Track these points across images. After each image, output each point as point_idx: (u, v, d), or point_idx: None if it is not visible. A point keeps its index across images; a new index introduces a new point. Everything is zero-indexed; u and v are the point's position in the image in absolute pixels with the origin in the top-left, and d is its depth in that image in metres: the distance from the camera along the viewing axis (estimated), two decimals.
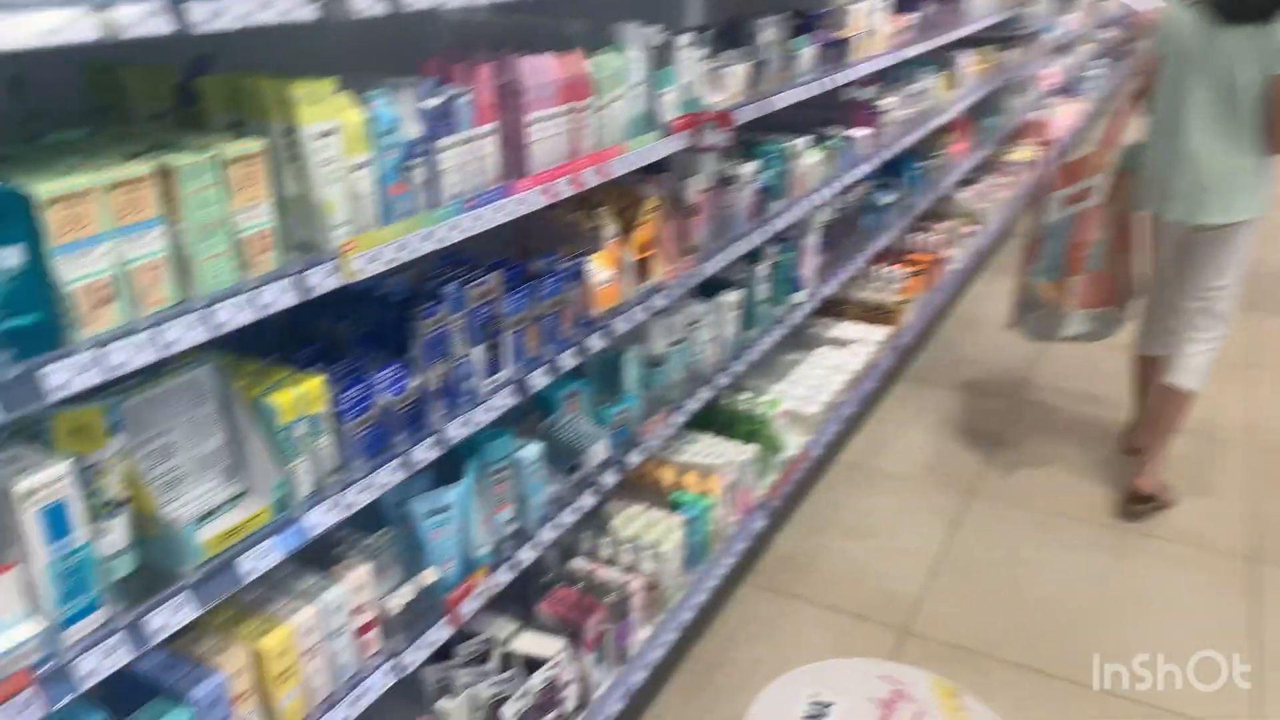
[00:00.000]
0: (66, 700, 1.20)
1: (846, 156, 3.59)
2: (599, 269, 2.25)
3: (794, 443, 3.33)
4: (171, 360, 1.43)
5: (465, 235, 1.74)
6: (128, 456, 1.33)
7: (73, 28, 1.08)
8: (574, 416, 2.28)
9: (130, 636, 1.28)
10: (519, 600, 2.31)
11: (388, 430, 1.69)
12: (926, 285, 4.57)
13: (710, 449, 2.89)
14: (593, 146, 2.12)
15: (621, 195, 2.45)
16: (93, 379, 1.17)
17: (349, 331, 1.84)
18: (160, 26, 1.15)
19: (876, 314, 4.18)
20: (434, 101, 1.66)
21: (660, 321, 2.59)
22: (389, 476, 1.67)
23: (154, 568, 1.37)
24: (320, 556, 1.75)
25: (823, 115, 3.80)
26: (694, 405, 2.75)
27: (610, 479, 2.38)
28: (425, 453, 1.74)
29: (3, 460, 1.19)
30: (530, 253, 2.24)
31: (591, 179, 2.08)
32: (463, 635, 2.17)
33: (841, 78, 3.33)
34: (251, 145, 1.36)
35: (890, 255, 4.54)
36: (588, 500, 2.30)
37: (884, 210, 4.15)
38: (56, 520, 1.20)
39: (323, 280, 1.47)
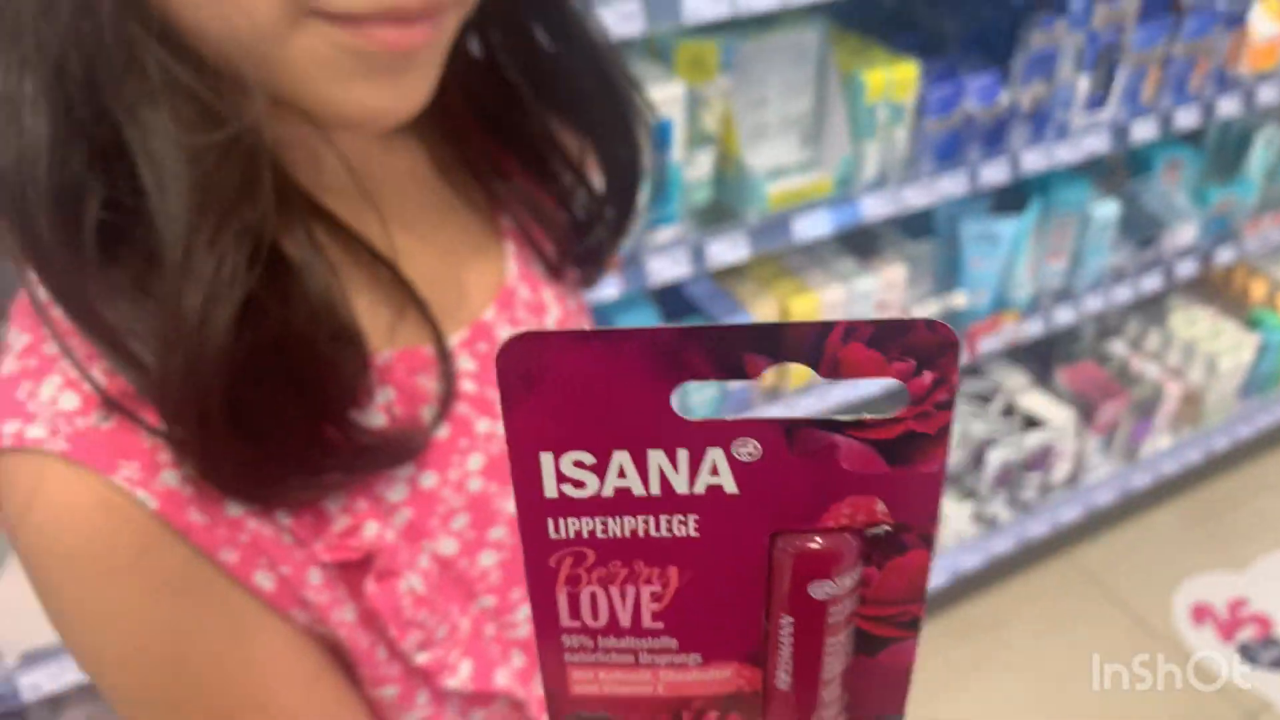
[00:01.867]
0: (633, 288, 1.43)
1: None
2: (1266, 18, 1.86)
3: None
4: (789, 14, 1.50)
5: None
6: (728, 96, 1.45)
7: None
8: (1167, 186, 2.00)
9: (691, 255, 1.46)
10: (1039, 358, 2.22)
11: (964, 139, 1.63)
12: None
13: None
14: None
15: None
16: (722, 10, 1.27)
17: (956, 28, 1.76)
18: None
19: None
20: None
21: None
22: (951, 186, 1.64)
23: (726, 204, 1.53)
24: (863, 244, 1.81)
25: None
26: None
27: (1187, 268, 2.10)
28: (994, 173, 1.66)
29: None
30: None
31: None
32: (973, 370, 2.16)
33: None
34: None
35: None
36: (1152, 282, 2.06)
37: None
38: (662, 136, 1.36)
39: None
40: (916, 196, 1.61)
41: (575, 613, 0.30)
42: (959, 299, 1.83)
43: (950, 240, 1.83)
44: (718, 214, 1.53)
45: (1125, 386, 2.12)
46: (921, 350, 0.26)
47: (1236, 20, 1.81)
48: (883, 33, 1.69)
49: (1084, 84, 1.70)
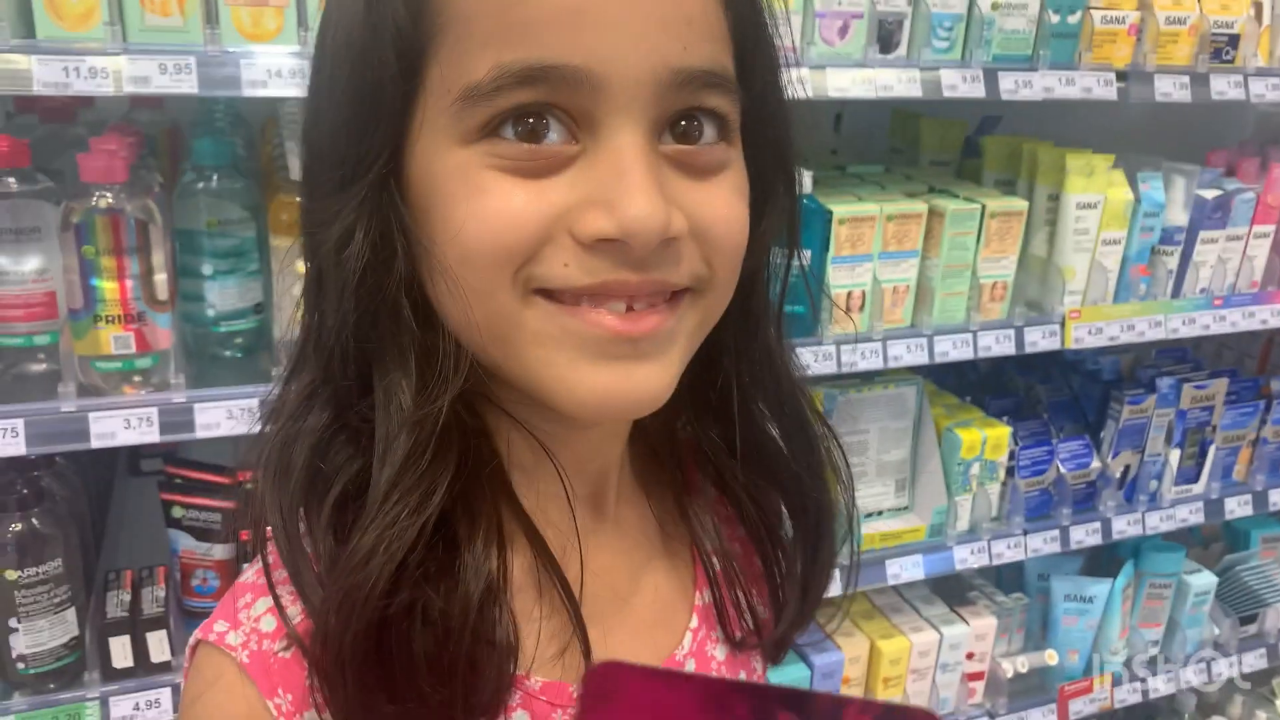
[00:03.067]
0: None
1: None
2: None
3: None
4: (889, 373, 1.64)
5: (1203, 333, 1.65)
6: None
7: (903, 85, 1.31)
8: (1266, 564, 1.99)
9: None
10: None
11: (1054, 500, 1.69)
12: None
13: None
14: None
15: None
16: (828, 368, 1.41)
17: (1047, 395, 1.87)
18: (973, 91, 1.33)
19: None
20: (1210, 193, 1.60)
21: None
22: (1040, 544, 1.68)
23: None
24: (955, 593, 1.83)
25: None
26: None
27: None
28: (1084, 535, 1.70)
29: None
30: (1269, 369, 2.01)
31: None
32: None
33: None
34: (1014, 204, 1.47)
35: None
36: (1254, 661, 2.00)
37: None
38: None
39: (1041, 340, 1.53)
40: (1007, 550, 1.65)
41: None
42: (1050, 656, 1.80)
43: (1040, 597, 1.83)
44: None
45: None
46: None
47: None
48: (976, 395, 1.82)
49: (1174, 457, 1.77)
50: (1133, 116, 1.95)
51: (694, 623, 0.65)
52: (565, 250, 0.48)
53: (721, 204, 0.52)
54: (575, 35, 0.46)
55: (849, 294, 1.42)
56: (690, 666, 0.64)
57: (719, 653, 0.66)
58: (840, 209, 1.38)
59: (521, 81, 0.46)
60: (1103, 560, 1.89)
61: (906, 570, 1.58)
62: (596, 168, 0.48)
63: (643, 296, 0.49)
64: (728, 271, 0.53)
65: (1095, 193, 1.52)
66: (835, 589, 1.54)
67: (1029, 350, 1.53)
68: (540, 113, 0.47)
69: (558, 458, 0.57)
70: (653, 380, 0.51)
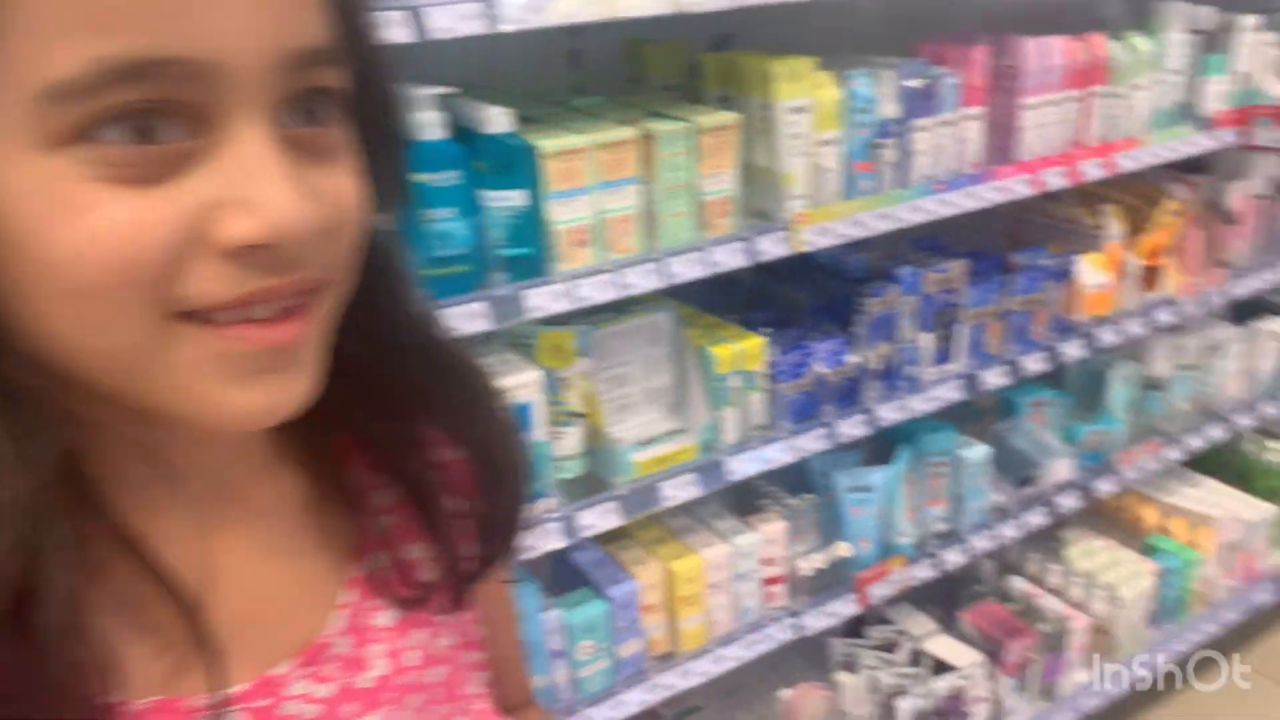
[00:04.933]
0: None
1: None
2: (1091, 271, 2.06)
3: None
4: (638, 302, 1.65)
5: (928, 218, 1.72)
6: (589, 377, 1.56)
7: (629, 4, 1.30)
8: (1035, 427, 2.13)
9: (564, 527, 1.51)
10: (943, 602, 2.25)
11: (818, 400, 1.75)
12: None
13: (1210, 497, 2.49)
14: (1101, 137, 1.94)
15: (1137, 193, 2.20)
16: (563, 306, 1.40)
17: (805, 301, 1.93)
18: (704, 4, 1.34)
19: None
20: (916, 82, 1.66)
21: (1166, 340, 2.29)
22: (811, 443, 1.73)
23: (597, 476, 1.60)
24: (747, 504, 1.88)
25: None
26: (1197, 443, 2.39)
27: (1069, 502, 2.19)
28: (852, 429, 1.77)
29: (494, 362, 1.48)
30: (1020, 245, 2.12)
31: (1092, 172, 1.91)
32: (878, 620, 2.18)
33: None
34: (724, 118, 1.49)
35: None
36: (1036, 519, 2.14)
37: None
38: (522, 417, 1.46)
39: (771, 248, 1.56)
40: (779, 454, 1.70)
41: None
42: (843, 549, 1.88)
43: (828, 493, 1.90)
44: (593, 485, 1.60)
45: (1031, 623, 2.14)
46: None
47: (1062, 274, 2.01)
48: (742, 312, 1.85)
49: (927, 341, 1.85)
50: (867, 17, 2.01)
51: (346, 598, 0.62)
52: (204, 263, 0.44)
53: (347, 187, 0.50)
54: (182, 21, 0.41)
55: (574, 229, 1.41)
56: (344, 645, 0.61)
57: (386, 619, 0.64)
58: (548, 144, 1.37)
59: (124, 78, 0.40)
60: (885, 450, 1.98)
61: (682, 490, 1.61)
62: (224, 163, 0.44)
63: (287, 298, 0.47)
64: (354, 253, 0.52)
65: (804, 96, 1.55)
66: (614, 521, 1.56)
67: (763, 259, 1.56)
68: (149, 109, 0.42)
69: (174, 461, 0.54)
70: (300, 386, 0.49)
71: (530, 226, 1.38)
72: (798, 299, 1.94)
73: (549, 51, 1.85)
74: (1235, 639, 2.56)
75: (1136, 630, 2.31)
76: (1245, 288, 2.30)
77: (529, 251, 1.39)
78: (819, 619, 1.87)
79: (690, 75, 1.78)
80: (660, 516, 1.81)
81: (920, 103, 1.67)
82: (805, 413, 1.75)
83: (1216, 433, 2.43)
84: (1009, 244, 2.26)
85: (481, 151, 1.34)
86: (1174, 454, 2.36)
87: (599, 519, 1.54)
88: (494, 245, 1.37)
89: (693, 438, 1.66)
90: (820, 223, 1.60)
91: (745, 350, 1.65)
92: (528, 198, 1.37)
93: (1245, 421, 2.47)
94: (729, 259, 1.53)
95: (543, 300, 1.39)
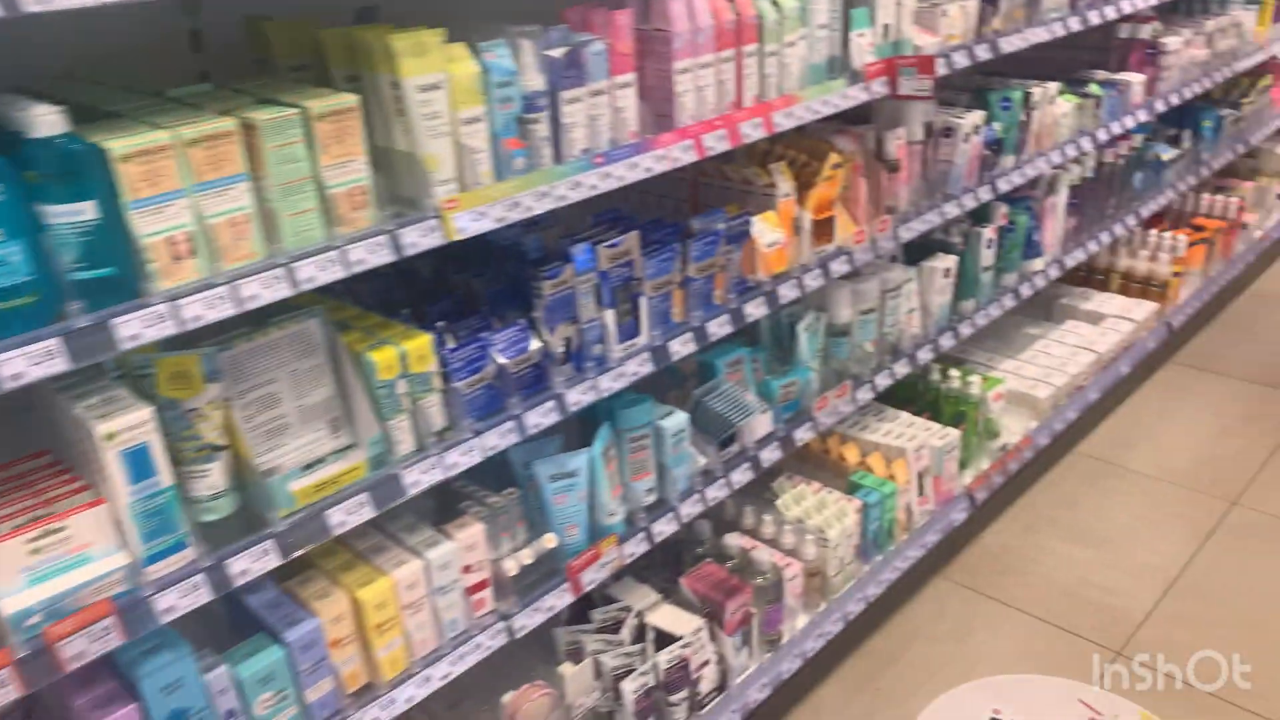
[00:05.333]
0: (145, 631, 1.27)
1: (1111, 105, 3.11)
2: (766, 230, 2.09)
3: (1015, 428, 2.99)
4: (283, 310, 1.47)
5: (592, 193, 1.65)
6: (226, 404, 1.37)
7: None
8: (730, 386, 2.14)
9: (211, 578, 1.33)
10: (671, 568, 2.24)
11: (501, 392, 1.66)
12: (1216, 254, 3.92)
13: (905, 430, 2.64)
14: (758, 97, 1.95)
15: (805, 149, 2.25)
16: (168, 330, 1.21)
17: (484, 287, 1.82)
18: None
19: (1144, 287, 3.65)
20: (559, 51, 1.57)
21: (846, 288, 2.38)
22: (499, 439, 1.64)
23: (253, 512, 1.43)
24: (449, 508, 1.77)
25: (1091, 57, 3.34)
26: (884, 381, 2.52)
27: (772, 455, 2.23)
28: (541, 417, 1.69)
29: (98, 402, 1.26)
30: (704, 209, 2.11)
31: (752, 133, 1.92)
32: (607, 600, 2.14)
33: (1103, 15, 2.87)
34: (340, 101, 1.34)
35: (1171, 219, 3.94)
36: (742, 476, 2.17)
37: (1163, 167, 3.57)
38: (139, 462, 1.26)
39: (421, 239, 1.44)
40: (464, 457, 1.59)
41: None
42: (549, 540, 1.81)
43: (531, 485, 1.82)
44: (249, 523, 1.42)
45: (747, 579, 2.17)
46: None
47: (738, 236, 2.02)
48: (417, 305, 1.72)
49: (611, 318, 1.80)
50: None
51: None
52: None
53: None
54: None
55: (170, 240, 1.22)
56: None
57: None
58: (118, 145, 1.16)
59: None
60: (590, 430, 1.91)
61: (353, 515, 1.47)
62: None
63: None
64: None
65: (435, 72, 1.42)
66: (273, 562, 1.38)
67: (412, 253, 1.43)
68: None
69: None
70: None
71: (109, 243, 1.17)
72: (476, 286, 1.82)
73: (167, 33, 1.62)
74: (938, 558, 2.75)
75: (849, 568, 2.42)
76: (912, 231, 2.42)
77: (111, 272, 1.18)
78: (532, 617, 1.79)
79: (319, 55, 1.60)
80: (347, 538, 1.66)
81: (567, 72, 1.59)
82: (489, 408, 1.65)
83: (900, 368, 2.57)
84: (694, 208, 2.25)
85: (32, 159, 1.11)
86: (864, 394, 2.47)
87: (254, 563, 1.37)
88: (66, 269, 1.15)
89: (362, 454, 1.52)
90: (474, 207, 1.49)
91: (411, 351, 1.52)
92: (100, 209, 1.16)
93: (925, 355, 2.63)
94: (371, 256, 1.39)
95: (138, 328, 1.19)
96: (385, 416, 1.51)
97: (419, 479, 1.54)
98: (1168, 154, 3.59)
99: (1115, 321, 3.46)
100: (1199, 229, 3.85)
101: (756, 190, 2.15)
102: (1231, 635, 2.49)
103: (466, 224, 1.48)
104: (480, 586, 1.73)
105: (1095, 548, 2.88)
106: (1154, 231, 3.70)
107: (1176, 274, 3.64)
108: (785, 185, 2.12)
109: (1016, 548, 2.90)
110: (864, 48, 2.14)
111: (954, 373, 2.83)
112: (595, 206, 1.90)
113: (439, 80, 1.43)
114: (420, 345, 1.53)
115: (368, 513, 1.49)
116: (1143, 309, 3.53)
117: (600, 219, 1.98)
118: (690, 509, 2.06)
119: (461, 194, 1.48)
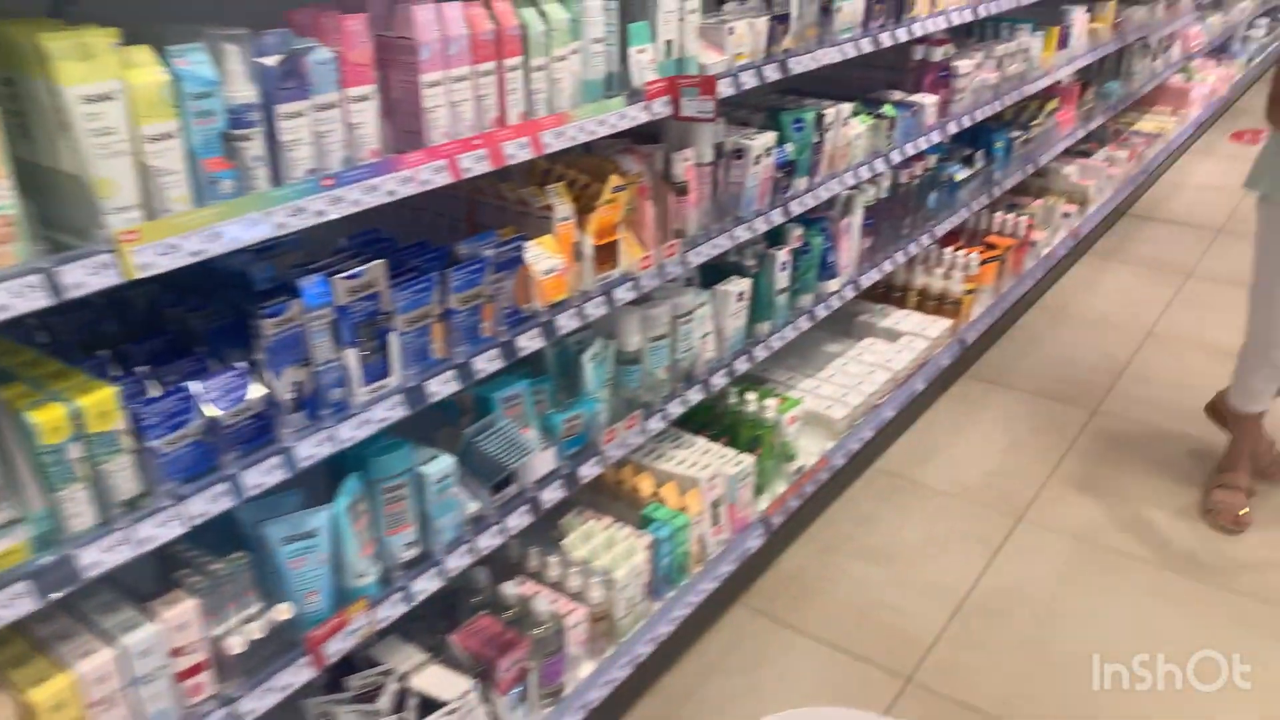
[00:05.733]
0: None
1: (906, 126, 3.14)
2: (542, 256, 1.94)
3: (811, 449, 2.96)
4: None
5: (318, 220, 1.45)
6: None
7: None
8: (506, 424, 1.98)
9: None
10: (445, 619, 2.06)
11: (213, 449, 1.44)
12: (1006, 271, 4.06)
13: (700, 458, 2.56)
14: (527, 114, 1.79)
15: (587, 169, 2.12)
16: None
17: (206, 323, 1.59)
18: None
19: (939, 304, 3.72)
20: (273, 59, 1.37)
21: (636, 314, 2.26)
22: (208, 505, 1.42)
23: None
24: (165, 578, 1.53)
25: (888, 77, 3.36)
26: (677, 409, 2.43)
27: (554, 494, 2.09)
28: (263, 476, 1.48)
29: None
30: (478, 230, 1.94)
31: (519, 153, 1.76)
32: (368, 662, 1.94)
33: (895, 37, 2.88)
34: None
35: (965, 237, 4.06)
36: (520, 520, 2.01)
37: (956, 187, 3.66)
38: None
39: (88, 277, 1.20)
40: (160, 530, 1.37)
41: None
42: (283, 612, 1.60)
43: (262, 548, 1.60)
44: None
45: (524, 631, 2.02)
46: None
47: (509, 263, 1.86)
48: (116, 344, 1.48)
49: (353, 358, 1.60)
50: None
51: None
52: None
53: None
54: None
55: None
56: None
57: None
58: None
59: None
60: (338, 484, 1.71)
61: (10, 607, 1.22)
62: None
63: None
64: None
65: (106, 80, 1.19)
66: None
67: (78, 294, 1.20)
68: None
69: None
70: None
71: None
72: (194, 322, 1.59)
73: None
74: (735, 586, 2.69)
75: (637, 606, 2.30)
76: (702, 255, 2.33)
77: None
78: (264, 698, 1.58)
79: None
80: (23, 625, 1.40)
81: (285, 83, 1.39)
82: (198, 468, 1.43)
83: (694, 395, 2.48)
84: (472, 229, 2.08)
85: None
86: (657, 424, 2.36)
87: None
88: None
89: (27, 532, 1.27)
90: (163, 238, 1.27)
91: (88, 408, 1.28)
92: None
93: (719, 380, 2.56)
94: (18, 301, 1.15)
95: None
96: (54, 487, 1.27)
97: (100, 559, 1.30)
98: (961, 174, 3.68)
99: (910, 339, 3.51)
100: (991, 247, 3.98)
101: (533, 212, 2.00)
102: (1012, 655, 2.53)
103: (151, 259, 1.26)
104: (196, 670, 1.50)
105: (887, 566, 2.88)
106: (948, 250, 3.79)
107: (969, 291, 3.74)
108: (564, 208, 1.98)
109: (814, 569, 2.87)
110: (645, 65, 2.03)
111: (750, 395, 2.77)
112: (351, 227, 1.70)
113: (111, 90, 1.20)
114: (101, 400, 1.30)
115: (29, 604, 1.24)
116: (937, 326, 3.60)
117: (354, 240, 1.78)
118: (458, 561, 1.89)
119: (145, 224, 1.25)
